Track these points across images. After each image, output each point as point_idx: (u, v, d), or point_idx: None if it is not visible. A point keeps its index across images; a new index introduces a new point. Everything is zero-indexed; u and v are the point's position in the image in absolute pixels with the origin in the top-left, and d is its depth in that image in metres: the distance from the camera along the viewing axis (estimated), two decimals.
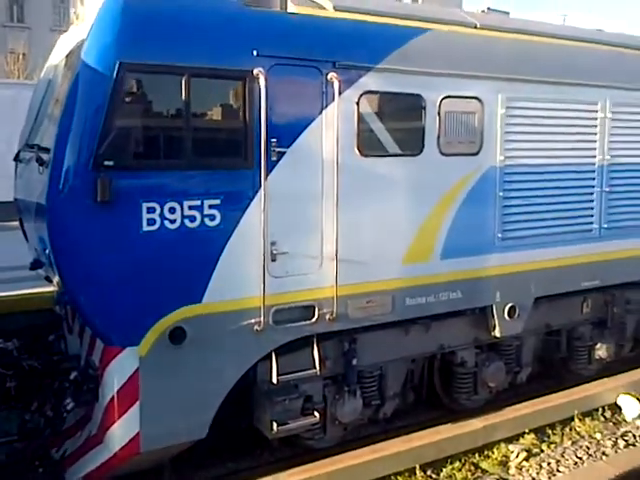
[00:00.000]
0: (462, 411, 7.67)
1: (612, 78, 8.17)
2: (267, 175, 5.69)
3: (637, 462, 6.70)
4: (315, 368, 6.07)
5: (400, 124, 6.74)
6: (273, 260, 5.76)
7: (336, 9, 6.38)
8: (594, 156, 7.96)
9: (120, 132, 5.17)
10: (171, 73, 5.34)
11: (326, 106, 6.05)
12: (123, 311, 5.22)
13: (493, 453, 7.20)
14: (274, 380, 5.89)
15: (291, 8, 6.15)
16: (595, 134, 7.96)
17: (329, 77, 6.00)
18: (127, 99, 5.26)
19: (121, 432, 5.31)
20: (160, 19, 5.42)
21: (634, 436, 7.81)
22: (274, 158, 5.78)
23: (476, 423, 7.32)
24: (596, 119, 7.95)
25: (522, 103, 7.34)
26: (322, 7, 6.39)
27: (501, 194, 7.19)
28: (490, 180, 7.14)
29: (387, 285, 6.50)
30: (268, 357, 5.91)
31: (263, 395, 6.03)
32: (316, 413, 6.26)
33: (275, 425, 5.91)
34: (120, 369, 5.28)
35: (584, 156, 7.89)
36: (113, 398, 5.29)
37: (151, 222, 5.24)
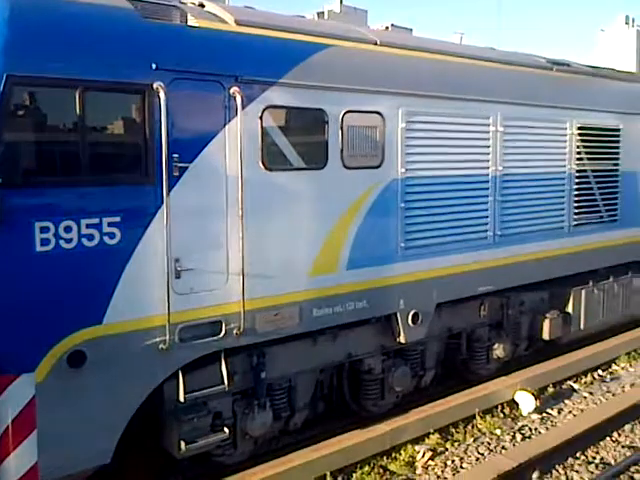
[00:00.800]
0: (370, 417, 7.83)
1: (503, 94, 8.62)
2: (169, 191, 5.61)
3: (532, 453, 7.11)
4: (223, 384, 6.04)
5: (304, 138, 6.82)
6: (177, 277, 5.68)
7: (238, 23, 6.37)
8: (487, 167, 8.36)
9: (9, 148, 4.93)
10: (64, 86, 5.14)
11: (229, 120, 6.03)
12: (16, 336, 4.96)
13: (400, 455, 7.44)
14: (181, 399, 5.81)
15: (192, 22, 6.09)
16: (488, 147, 8.36)
17: (231, 91, 5.99)
18: (16, 113, 5.02)
19: (17, 464, 5.03)
20: (52, 30, 5.20)
21: (530, 429, 8.28)
22: (176, 173, 5.70)
23: (383, 427, 7.54)
24: (488, 132, 8.36)
25: (421, 117, 7.61)
26: (224, 21, 6.36)
27: (403, 205, 7.42)
28: (392, 192, 7.36)
29: (294, 297, 6.56)
30: (175, 375, 5.82)
31: (170, 414, 5.92)
32: (225, 429, 6.22)
33: (183, 444, 5.83)
34: (15, 397, 5.02)
35: (478, 167, 8.27)
36: (7, 428, 5.02)
37: (45, 242, 5.03)
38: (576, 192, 9.72)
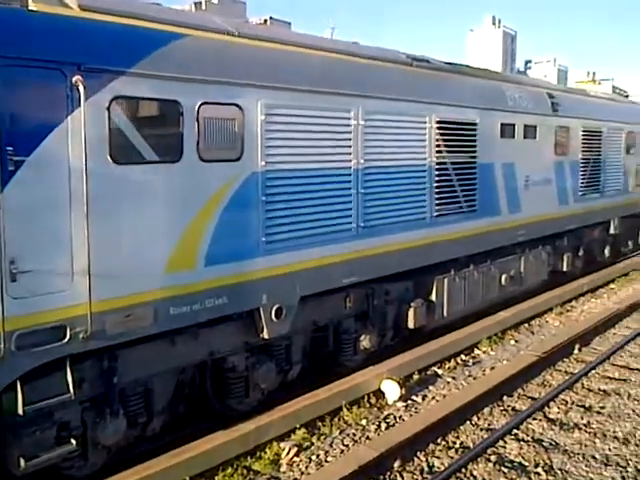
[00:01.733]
0: (235, 416, 7.68)
1: (364, 88, 8.72)
2: (3, 187, 5.16)
3: (394, 441, 7.25)
4: (69, 392, 5.65)
5: (157, 130, 6.53)
6: (13, 280, 5.24)
7: (82, 8, 5.96)
8: (350, 160, 8.43)
9: None
10: None
11: (72, 111, 5.63)
12: None
13: (265, 453, 7.34)
14: (20, 411, 5.38)
15: (32, 5, 5.62)
16: (350, 140, 8.43)
17: (74, 81, 5.60)
18: None
19: None
20: None
21: (395, 418, 8.46)
22: (11, 167, 5.25)
23: (248, 426, 7.41)
24: (350, 126, 8.43)
25: (282, 110, 7.52)
26: (67, 5, 5.93)
27: (264, 199, 7.31)
28: (252, 185, 7.22)
29: (148, 296, 6.26)
30: (13, 386, 5.38)
31: (8, 429, 5.47)
32: (73, 440, 5.83)
33: (22, 460, 5.40)
34: None
35: (341, 160, 8.32)
36: None
37: None
38: (437, 184, 10.04)
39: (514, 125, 12.15)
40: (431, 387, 9.48)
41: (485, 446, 7.38)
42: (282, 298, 7.60)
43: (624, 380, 9.58)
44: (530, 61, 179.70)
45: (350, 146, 8.44)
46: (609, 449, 7.37)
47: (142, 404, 6.65)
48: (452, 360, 10.55)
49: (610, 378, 9.69)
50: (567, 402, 8.76)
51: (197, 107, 6.62)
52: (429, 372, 10.02)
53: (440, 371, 10.13)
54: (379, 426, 8.15)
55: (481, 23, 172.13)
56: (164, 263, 6.40)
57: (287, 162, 7.61)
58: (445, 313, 10.63)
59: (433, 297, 10.43)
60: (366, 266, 8.84)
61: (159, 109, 6.53)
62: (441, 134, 10.10)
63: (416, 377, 9.71)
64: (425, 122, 9.78)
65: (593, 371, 9.93)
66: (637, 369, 10.07)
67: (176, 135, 6.52)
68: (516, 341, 11.74)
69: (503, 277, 12.16)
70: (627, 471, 6.90)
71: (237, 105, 7.05)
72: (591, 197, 15.37)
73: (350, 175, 8.46)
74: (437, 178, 10.06)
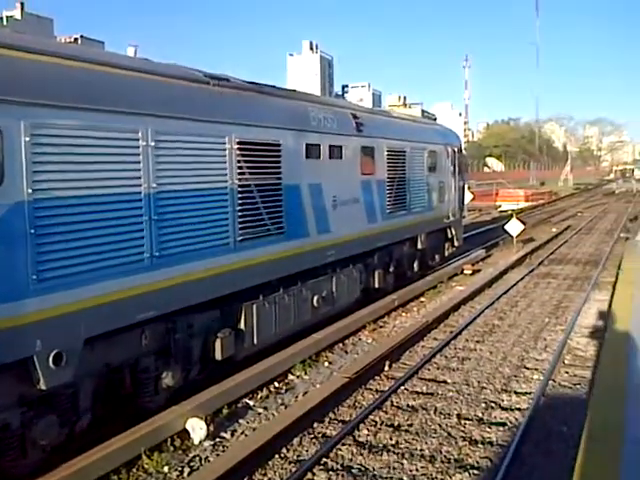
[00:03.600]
0: None
1: (154, 107, 8.11)
2: None
3: None
4: None
5: None
6: None
7: None
8: (140, 185, 7.76)
9: None
10: None
11: None
12: None
13: None
14: None
15: None
16: (139, 162, 7.76)
17: None
18: None
19: None
20: None
21: (201, 459, 7.86)
22: None
23: None
24: (139, 147, 7.76)
25: (53, 131, 6.68)
26: None
27: (32, 231, 6.41)
28: (18, 216, 6.29)
29: None
30: None
31: None
32: None
33: None
34: None
35: (129, 185, 7.62)
36: None
37: None
38: (240, 207, 9.66)
39: (319, 145, 12.17)
40: (241, 421, 9.01)
41: None
42: (61, 342, 6.70)
43: (431, 394, 9.80)
44: (347, 85, 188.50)
45: (139, 169, 7.77)
46: (416, 469, 7.36)
47: None
48: (264, 389, 10.16)
49: (418, 393, 9.87)
50: (377, 423, 8.72)
51: None
52: (240, 405, 9.54)
53: (252, 402, 9.70)
54: (182, 471, 7.52)
55: (300, 48, 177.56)
56: None
57: (60, 189, 6.75)
58: (255, 341, 10.23)
59: (242, 325, 9.98)
60: (164, 298, 8.18)
61: None
62: (243, 155, 9.76)
63: (225, 411, 9.16)
64: (224, 143, 9.37)
65: (402, 387, 10.07)
66: (443, 381, 10.37)
67: None
68: (330, 362, 11.67)
69: (315, 298, 12.06)
70: None
71: None
72: (398, 214, 15.93)
73: (140, 201, 7.77)
74: (240, 201, 9.67)
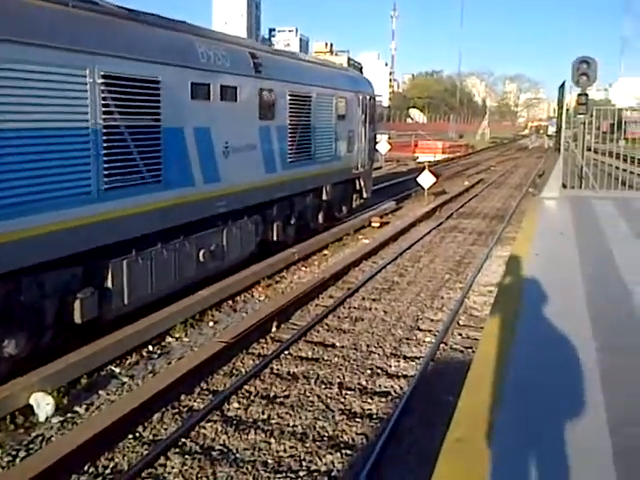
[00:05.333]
0: None
1: None
2: None
3: (26, 475, 5.74)
4: None
5: None
6: None
7: None
8: None
9: None
10: None
11: None
12: None
13: None
14: None
15: None
16: None
17: None
18: None
19: None
20: None
21: (44, 439, 6.90)
22: None
23: None
24: None
25: None
26: None
27: None
28: None
29: None
30: None
31: None
32: None
33: None
34: None
35: None
36: None
37: None
38: (106, 151, 8.46)
39: (209, 85, 10.97)
40: (102, 392, 8.04)
41: (139, 469, 6.17)
42: None
43: (316, 360, 9.10)
44: (274, 29, 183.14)
45: None
46: (284, 450, 6.64)
47: None
48: (135, 354, 9.19)
49: (302, 359, 9.15)
50: (250, 394, 7.94)
51: None
52: (103, 373, 8.55)
53: (118, 369, 8.72)
54: (16, 455, 6.53)
55: None
56: None
57: None
58: (126, 301, 9.19)
59: (109, 284, 8.91)
60: (5, 255, 7.02)
61: None
62: (110, 92, 8.50)
63: (85, 382, 8.17)
64: (84, 76, 8.07)
65: (286, 352, 9.34)
66: (332, 345, 9.71)
67: None
68: (215, 322, 10.80)
69: (201, 253, 11.08)
70: (299, 475, 6.22)
71: None
72: (301, 164, 14.99)
73: None
74: (106, 144, 8.46)
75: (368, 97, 19.73)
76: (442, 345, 9.62)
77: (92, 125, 8.23)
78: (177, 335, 10.06)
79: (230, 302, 11.82)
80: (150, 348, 9.48)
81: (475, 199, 27.28)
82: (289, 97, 14.16)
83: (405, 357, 9.21)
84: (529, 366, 5.12)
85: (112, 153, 8.57)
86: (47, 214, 7.56)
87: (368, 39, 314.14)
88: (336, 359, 9.08)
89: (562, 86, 17.64)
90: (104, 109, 8.41)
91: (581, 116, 16.63)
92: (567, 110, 17.40)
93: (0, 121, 6.88)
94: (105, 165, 8.46)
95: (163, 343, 9.77)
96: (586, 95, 16.24)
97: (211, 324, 10.71)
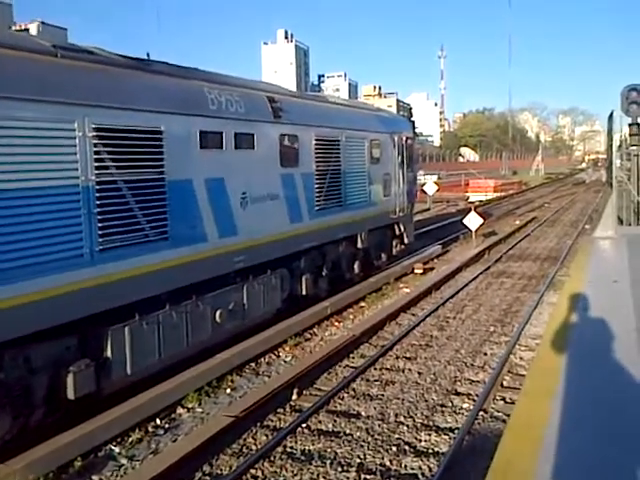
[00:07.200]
0: None
1: None
2: None
3: None
4: None
5: None
6: None
7: None
8: None
9: None
10: None
11: None
12: None
13: None
14: None
15: None
16: None
17: None
18: None
19: None
20: None
21: None
22: None
23: None
24: None
25: None
26: None
27: None
28: None
29: None
30: None
31: None
32: None
33: None
34: None
35: None
36: None
37: None
38: (100, 209, 7.83)
39: (221, 133, 10.35)
40: (95, 476, 7.22)
41: None
42: None
43: (336, 434, 8.04)
44: (323, 75, 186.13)
45: None
46: None
47: None
48: (139, 429, 8.34)
49: (321, 433, 8.11)
50: (257, 479, 6.98)
51: None
52: (101, 454, 7.73)
53: (117, 449, 7.88)
54: None
55: (275, 37, 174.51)
56: None
57: None
58: (129, 371, 8.42)
59: (109, 353, 8.17)
60: None
61: None
62: (104, 145, 7.92)
63: (78, 464, 7.37)
64: (73, 130, 7.52)
65: (304, 425, 8.33)
66: (356, 415, 8.65)
67: None
68: (233, 389, 9.89)
69: (218, 313, 10.26)
70: None
71: None
72: (331, 211, 14.16)
73: None
74: (100, 202, 7.84)
75: (405, 137, 18.86)
76: (481, 413, 8.43)
77: (83, 182, 7.62)
78: (189, 405, 9.20)
79: (253, 365, 10.93)
80: (157, 422, 8.63)
81: (527, 239, 25.82)
82: (315, 142, 13.45)
83: (438, 429, 8.07)
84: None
85: (108, 211, 7.94)
86: (30, 281, 6.91)
87: (417, 80, 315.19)
88: (359, 433, 8.01)
89: (611, 116, 16.42)
90: (97, 164, 7.82)
91: (634, 147, 15.31)
92: (620, 142, 16.15)
93: None
94: (100, 224, 7.83)
95: (173, 415, 8.91)
96: (638, 125, 14.95)
97: (228, 391, 9.81)
